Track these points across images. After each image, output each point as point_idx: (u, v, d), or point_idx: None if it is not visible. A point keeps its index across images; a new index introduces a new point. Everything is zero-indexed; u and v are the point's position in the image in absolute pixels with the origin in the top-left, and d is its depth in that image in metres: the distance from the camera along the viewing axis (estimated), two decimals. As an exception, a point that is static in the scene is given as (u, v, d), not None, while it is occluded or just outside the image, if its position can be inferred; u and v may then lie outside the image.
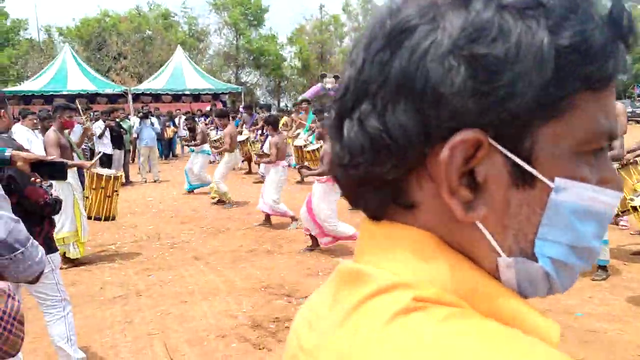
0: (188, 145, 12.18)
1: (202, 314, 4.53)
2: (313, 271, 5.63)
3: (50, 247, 3.32)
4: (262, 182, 9.29)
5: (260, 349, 3.89)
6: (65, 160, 2.96)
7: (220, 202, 9.53)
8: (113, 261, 6.23)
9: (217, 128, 16.64)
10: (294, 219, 7.50)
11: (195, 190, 10.90)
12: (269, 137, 8.12)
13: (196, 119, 15.91)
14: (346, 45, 41.07)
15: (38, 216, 3.20)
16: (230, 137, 9.15)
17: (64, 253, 5.74)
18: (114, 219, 6.71)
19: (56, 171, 2.77)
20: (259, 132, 13.92)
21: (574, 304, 4.49)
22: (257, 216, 8.10)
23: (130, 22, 34.95)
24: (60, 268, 3.57)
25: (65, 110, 5.59)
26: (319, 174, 5.94)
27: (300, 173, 9.85)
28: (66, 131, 5.81)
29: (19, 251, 1.57)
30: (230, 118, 17.30)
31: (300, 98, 19.94)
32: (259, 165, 13.05)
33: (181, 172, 12.23)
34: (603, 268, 5.15)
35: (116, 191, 6.56)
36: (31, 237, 1.65)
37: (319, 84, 30.69)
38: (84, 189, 6.36)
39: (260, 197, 7.61)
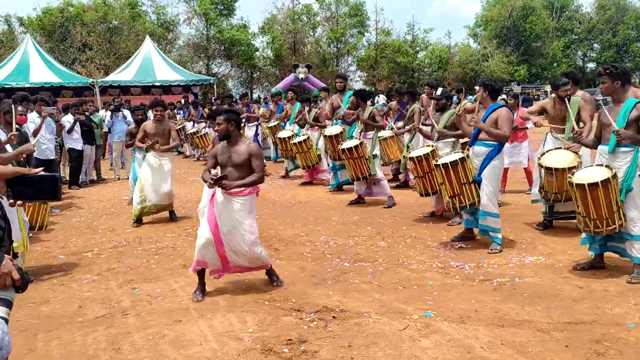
0: (128, 145, 8.97)
1: (201, 336, 3.90)
2: (319, 279, 5.06)
3: None
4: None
5: (277, 381, 3.31)
6: (56, 174, 2.19)
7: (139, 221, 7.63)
8: (91, 272, 5.52)
9: (193, 121, 15.93)
10: None
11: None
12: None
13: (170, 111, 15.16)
14: (319, 35, 40.38)
15: None
16: (143, 131, 7.64)
17: None
18: (42, 228, 6.25)
19: (43, 191, 2.06)
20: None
21: (621, 313, 4.03)
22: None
23: (95, 11, 33.47)
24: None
25: None
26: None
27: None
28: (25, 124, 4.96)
29: None
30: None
31: (273, 90, 19.38)
32: None
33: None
34: (640, 267, 4.70)
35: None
36: None
37: (292, 75, 30.11)
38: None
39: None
